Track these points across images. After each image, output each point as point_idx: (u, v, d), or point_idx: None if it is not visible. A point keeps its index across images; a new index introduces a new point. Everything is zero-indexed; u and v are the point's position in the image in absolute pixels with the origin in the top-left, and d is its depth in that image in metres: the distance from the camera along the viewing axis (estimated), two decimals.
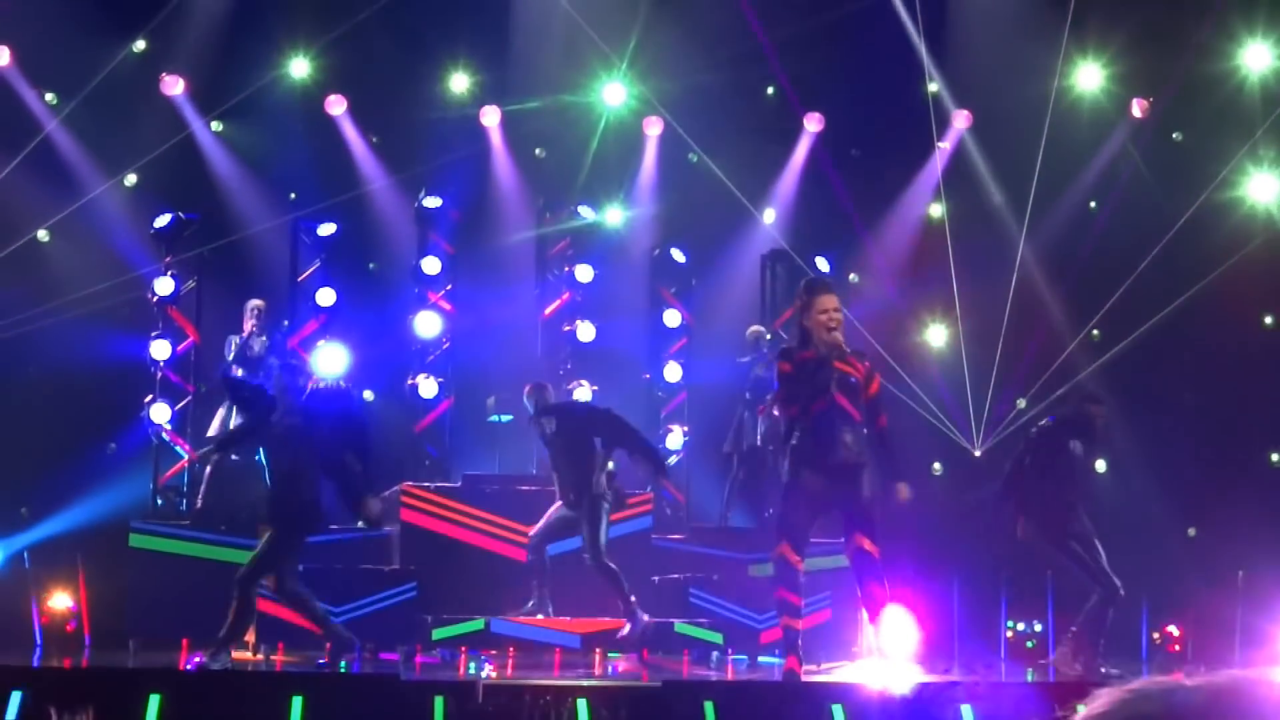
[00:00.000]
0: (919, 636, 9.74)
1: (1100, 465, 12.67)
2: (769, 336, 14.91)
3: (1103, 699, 1.54)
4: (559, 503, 11.68)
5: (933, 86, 15.79)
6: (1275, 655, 12.66)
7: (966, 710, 8.02)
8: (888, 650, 8.72)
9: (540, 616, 11.69)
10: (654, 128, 15.91)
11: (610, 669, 11.10)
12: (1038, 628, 14.03)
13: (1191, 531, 15.92)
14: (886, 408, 8.87)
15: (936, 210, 16.16)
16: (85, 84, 14.16)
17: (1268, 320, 16.60)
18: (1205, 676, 1.53)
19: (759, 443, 14.26)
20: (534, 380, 12.32)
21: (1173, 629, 14.27)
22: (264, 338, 13.80)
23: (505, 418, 14.38)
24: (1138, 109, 16.24)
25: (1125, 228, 15.71)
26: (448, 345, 14.56)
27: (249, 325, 13.81)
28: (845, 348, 8.52)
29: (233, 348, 13.68)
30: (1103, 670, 10.64)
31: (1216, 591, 13.82)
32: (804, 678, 8.67)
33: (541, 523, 11.84)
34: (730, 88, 15.87)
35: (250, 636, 11.30)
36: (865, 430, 8.59)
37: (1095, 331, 16.23)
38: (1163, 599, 14.14)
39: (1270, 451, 16.39)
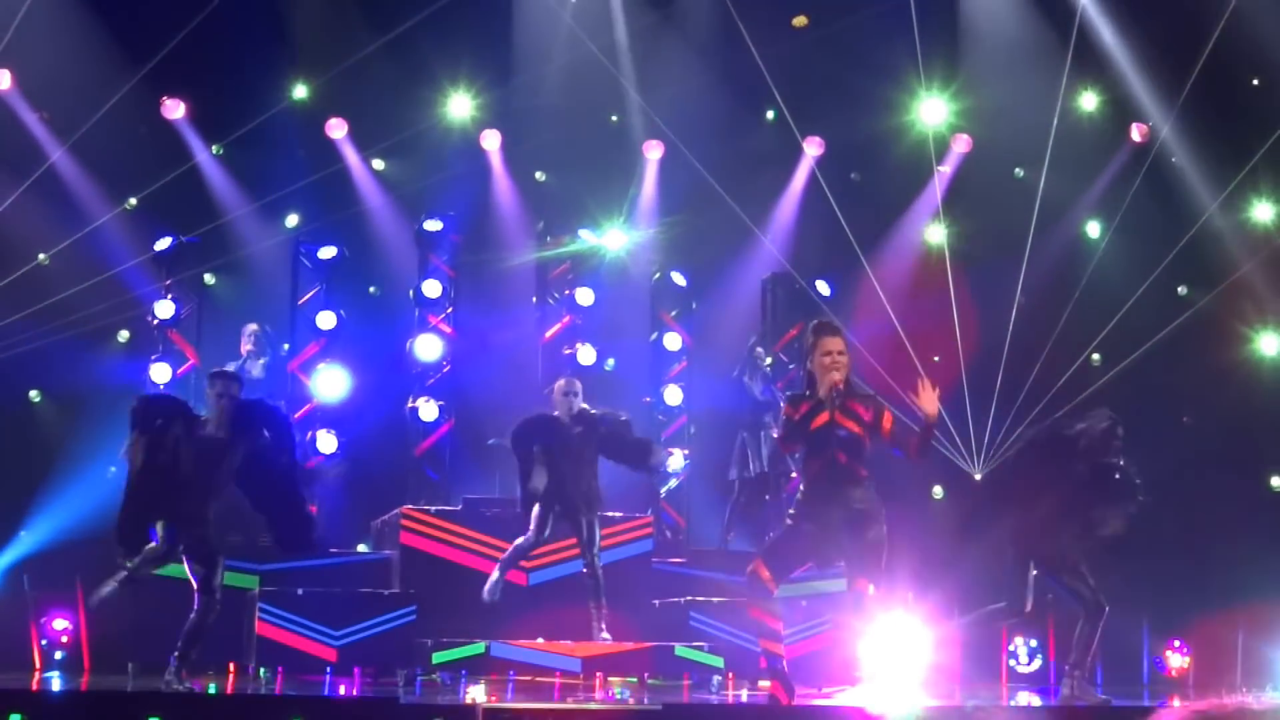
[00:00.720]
0: (921, 662, 9.72)
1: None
2: (769, 360, 14.92)
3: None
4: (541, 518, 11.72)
5: (934, 114, 15.83)
6: (1276, 680, 12.66)
7: None
8: (888, 676, 8.67)
9: (539, 640, 11.68)
10: (654, 151, 15.93)
11: (610, 693, 11.07)
12: (1037, 657, 13.98)
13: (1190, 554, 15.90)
14: (911, 431, 8.72)
15: (936, 234, 16.17)
16: (86, 107, 14.17)
17: (1267, 343, 16.59)
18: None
19: (764, 468, 14.24)
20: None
21: (1175, 656, 14.23)
22: (262, 360, 13.78)
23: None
24: (1137, 133, 16.28)
25: (1125, 251, 15.74)
26: (448, 368, 14.56)
27: (245, 348, 13.82)
28: (846, 388, 8.44)
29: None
30: (1101, 696, 10.59)
31: (1217, 616, 13.80)
32: (790, 703, 8.59)
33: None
34: (731, 112, 15.91)
35: (252, 660, 11.28)
36: (873, 482, 8.49)
37: (1095, 356, 16.24)
38: (1163, 623, 14.12)
39: (1270, 475, 16.37)
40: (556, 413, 11.73)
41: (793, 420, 8.43)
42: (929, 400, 8.30)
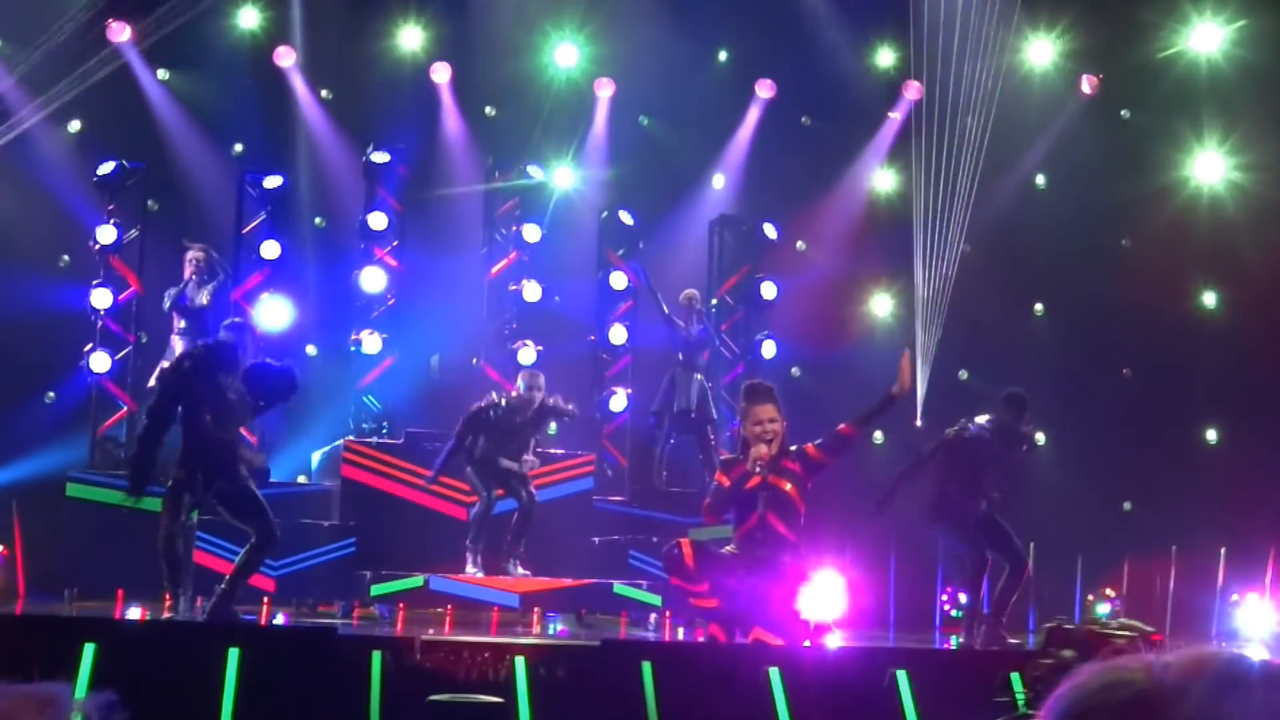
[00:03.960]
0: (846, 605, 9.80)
1: (1040, 438, 12.73)
2: (714, 303, 14.95)
3: (1082, 673, 1.55)
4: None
5: (884, 60, 15.84)
6: (1207, 629, 12.86)
7: (901, 675, 8.09)
8: (821, 619, 8.76)
9: (479, 575, 11.72)
10: (605, 90, 15.86)
11: (548, 628, 11.13)
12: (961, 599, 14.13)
13: (1127, 506, 16.09)
14: (834, 434, 8.83)
15: (885, 180, 16.21)
16: (31, 28, 13.94)
17: (1207, 299, 16.76)
18: (1184, 651, 1.56)
19: (691, 407, 14.24)
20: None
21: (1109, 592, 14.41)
22: (208, 286, 13.55)
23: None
24: (1087, 85, 16.34)
25: (1071, 203, 15.83)
26: (392, 302, 14.48)
27: (188, 274, 13.63)
28: (778, 451, 8.56)
29: (169, 300, 13.50)
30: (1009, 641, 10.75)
31: (1150, 565, 14.00)
32: (728, 641, 8.70)
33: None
34: (682, 52, 15.84)
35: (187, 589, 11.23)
36: (804, 546, 8.63)
37: (1038, 306, 16.37)
38: (1097, 572, 14.29)
39: (1205, 428, 16.58)
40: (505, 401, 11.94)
41: (723, 488, 8.54)
42: (907, 373, 8.53)
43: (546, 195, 15.28)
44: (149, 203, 14.32)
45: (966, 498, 10.74)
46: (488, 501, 11.95)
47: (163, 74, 14.97)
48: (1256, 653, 11.09)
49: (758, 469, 8.43)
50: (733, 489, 8.52)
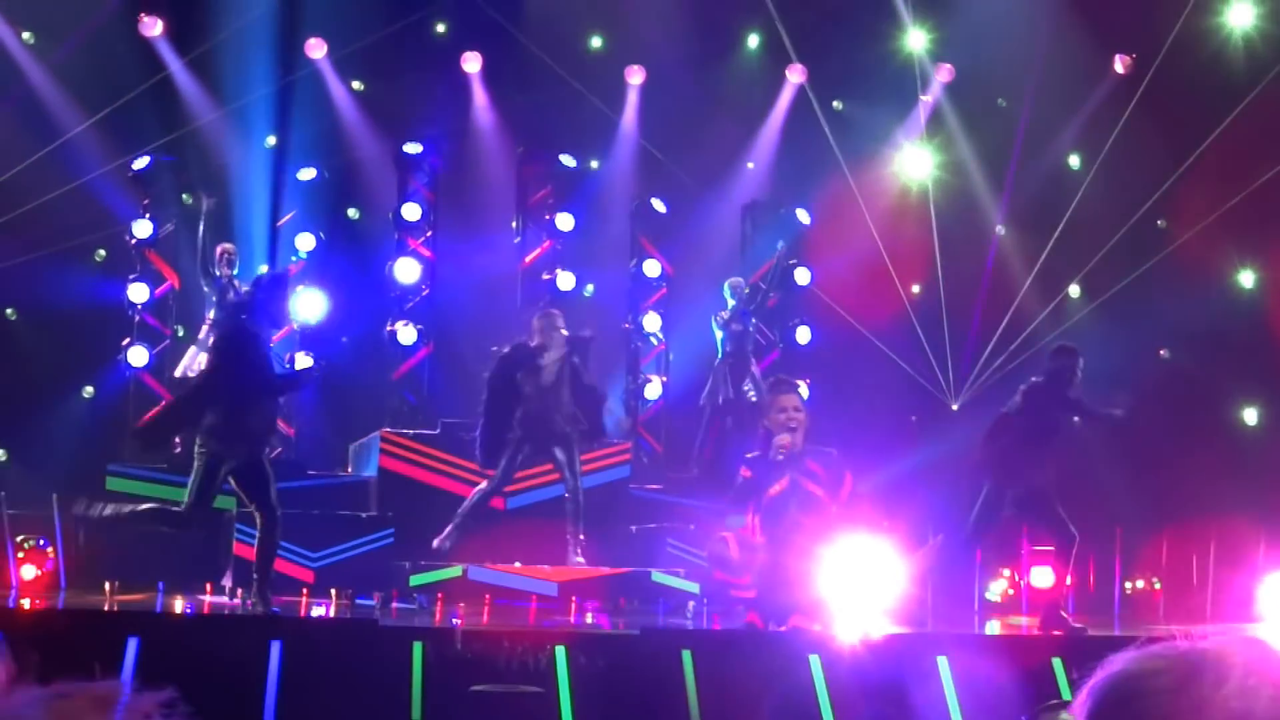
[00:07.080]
0: (891, 591, 9.80)
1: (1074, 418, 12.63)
2: (747, 289, 14.91)
3: (1118, 661, 1.56)
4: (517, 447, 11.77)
5: (916, 43, 15.76)
6: (1246, 610, 12.79)
7: (942, 661, 8.09)
8: (855, 606, 8.79)
9: (517, 564, 11.73)
10: (636, 77, 15.84)
11: (588, 618, 11.14)
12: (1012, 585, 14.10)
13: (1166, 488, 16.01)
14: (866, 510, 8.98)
15: (918, 163, 16.13)
16: (64, 23, 14.02)
17: (1244, 279, 16.65)
18: (1219, 637, 1.56)
19: (731, 394, 14.18)
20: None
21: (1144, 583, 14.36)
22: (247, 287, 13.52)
23: None
24: (1120, 65, 16.22)
25: (1106, 184, 15.72)
26: (427, 292, 14.53)
27: (223, 271, 13.63)
28: (804, 446, 8.65)
29: (213, 299, 13.48)
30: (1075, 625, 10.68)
31: (1188, 546, 13.93)
32: (766, 628, 8.75)
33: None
34: (713, 38, 15.82)
35: (228, 580, 11.29)
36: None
37: (1075, 288, 16.27)
38: (1134, 552, 14.24)
39: (1244, 408, 16.47)
40: (535, 342, 11.74)
41: (746, 481, 8.62)
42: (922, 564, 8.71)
43: (579, 184, 15.29)
44: (184, 197, 14.39)
45: (1019, 469, 10.47)
46: (496, 484, 11.87)
47: (195, 67, 15.01)
48: None
49: (780, 455, 8.48)
50: (755, 484, 8.60)
